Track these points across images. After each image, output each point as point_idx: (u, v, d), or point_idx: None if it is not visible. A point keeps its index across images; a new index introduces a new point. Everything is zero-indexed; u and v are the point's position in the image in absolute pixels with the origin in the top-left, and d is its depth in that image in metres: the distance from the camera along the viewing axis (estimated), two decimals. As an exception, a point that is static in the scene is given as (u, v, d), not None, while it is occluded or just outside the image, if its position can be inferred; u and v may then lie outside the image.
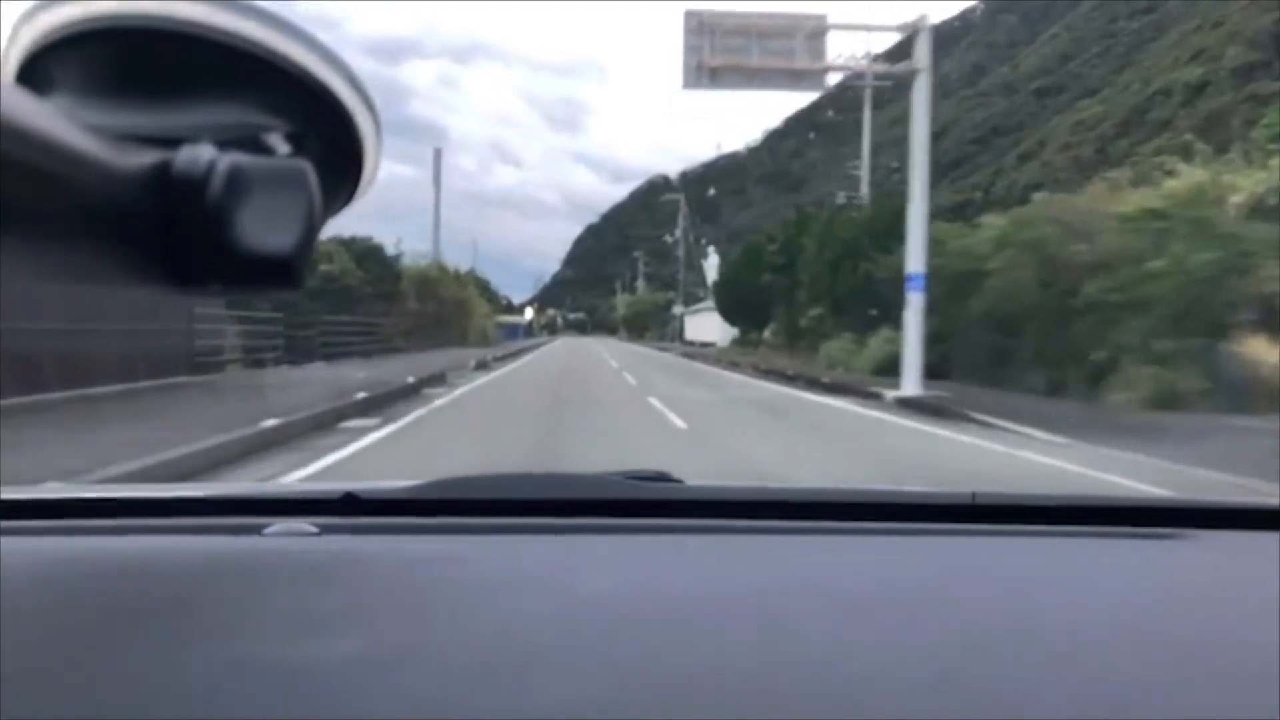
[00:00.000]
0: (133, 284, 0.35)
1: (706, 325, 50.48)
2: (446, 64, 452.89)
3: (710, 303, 51.99)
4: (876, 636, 0.61)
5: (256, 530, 0.84)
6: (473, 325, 33.70)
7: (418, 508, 0.96)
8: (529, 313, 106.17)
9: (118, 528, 0.88)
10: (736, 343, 36.00)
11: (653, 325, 76.98)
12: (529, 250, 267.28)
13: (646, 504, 0.99)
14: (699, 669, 0.53)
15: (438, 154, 31.69)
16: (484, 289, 55.61)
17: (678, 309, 61.98)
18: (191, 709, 0.47)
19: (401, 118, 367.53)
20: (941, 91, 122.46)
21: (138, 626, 0.59)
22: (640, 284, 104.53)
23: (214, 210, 0.32)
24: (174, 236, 0.32)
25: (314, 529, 0.84)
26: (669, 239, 69.25)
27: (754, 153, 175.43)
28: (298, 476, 5.83)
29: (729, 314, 36.34)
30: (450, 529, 0.90)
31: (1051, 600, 0.72)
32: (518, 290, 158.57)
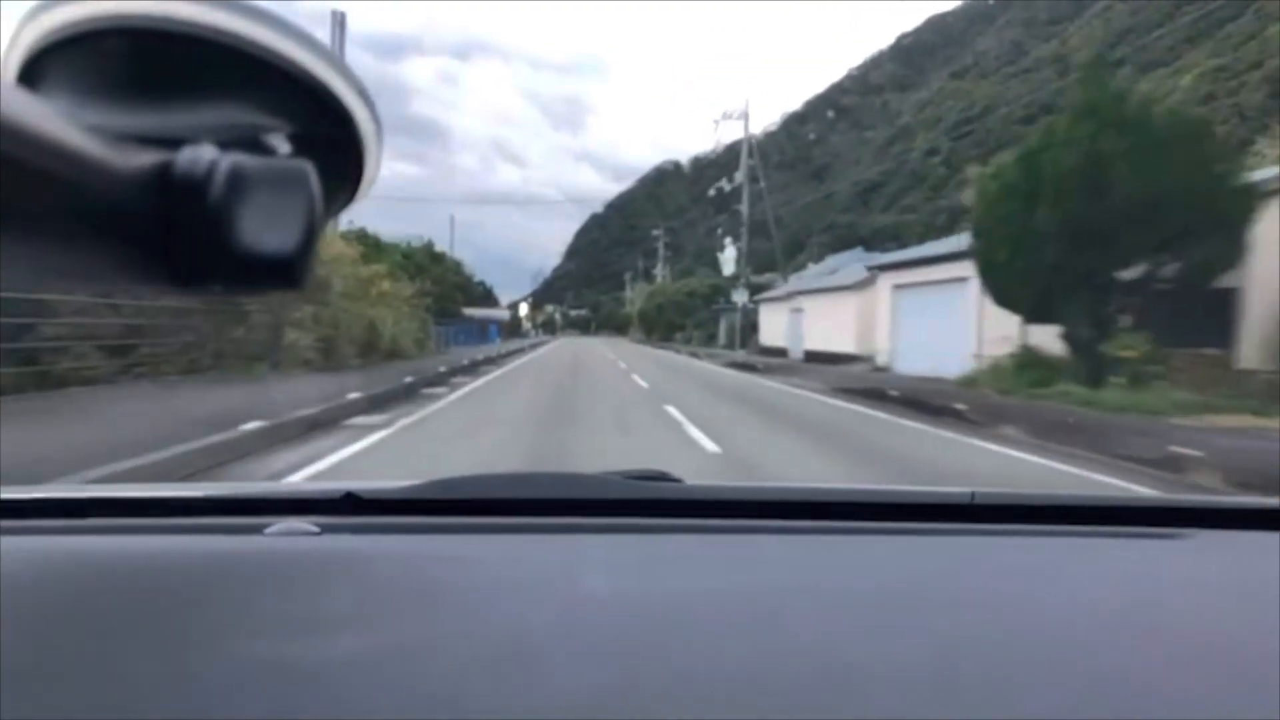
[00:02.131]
0: (133, 284, 0.36)
1: (825, 320, 28.58)
2: (447, 61, 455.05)
3: (822, 276, 34.65)
4: (876, 636, 0.63)
5: (257, 530, 0.87)
6: (310, 318, 14.69)
7: (418, 507, 0.99)
8: (523, 308, 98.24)
9: (118, 527, 0.92)
10: (1064, 372, 12.79)
11: (689, 323, 56.62)
12: (532, 248, 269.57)
13: (647, 504, 1.02)
14: (699, 668, 0.55)
15: (338, 19, 20.12)
16: (448, 268, 42.18)
17: (739, 296, 39.72)
18: (192, 709, 0.48)
19: (403, 116, 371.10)
20: (979, 72, 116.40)
21: (138, 626, 0.60)
22: (661, 270, 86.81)
23: (215, 210, 0.33)
24: (175, 236, 0.33)
25: (314, 529, 0.88)
26: (726, 186, 45.45)
27: (771, 138, 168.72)
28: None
29: (1013, 290, 13.05)
30: (451, 529, 0.94)
31: (1051, 600, 0.74)
32: (516, 288, 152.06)
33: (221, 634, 0.59)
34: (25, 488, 1.04)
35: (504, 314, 63.54)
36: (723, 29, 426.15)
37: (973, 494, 1.04)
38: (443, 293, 37.88)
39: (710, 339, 49.73)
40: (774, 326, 36.69)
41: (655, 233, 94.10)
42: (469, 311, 46.00)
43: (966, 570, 0.83)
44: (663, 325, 64.24)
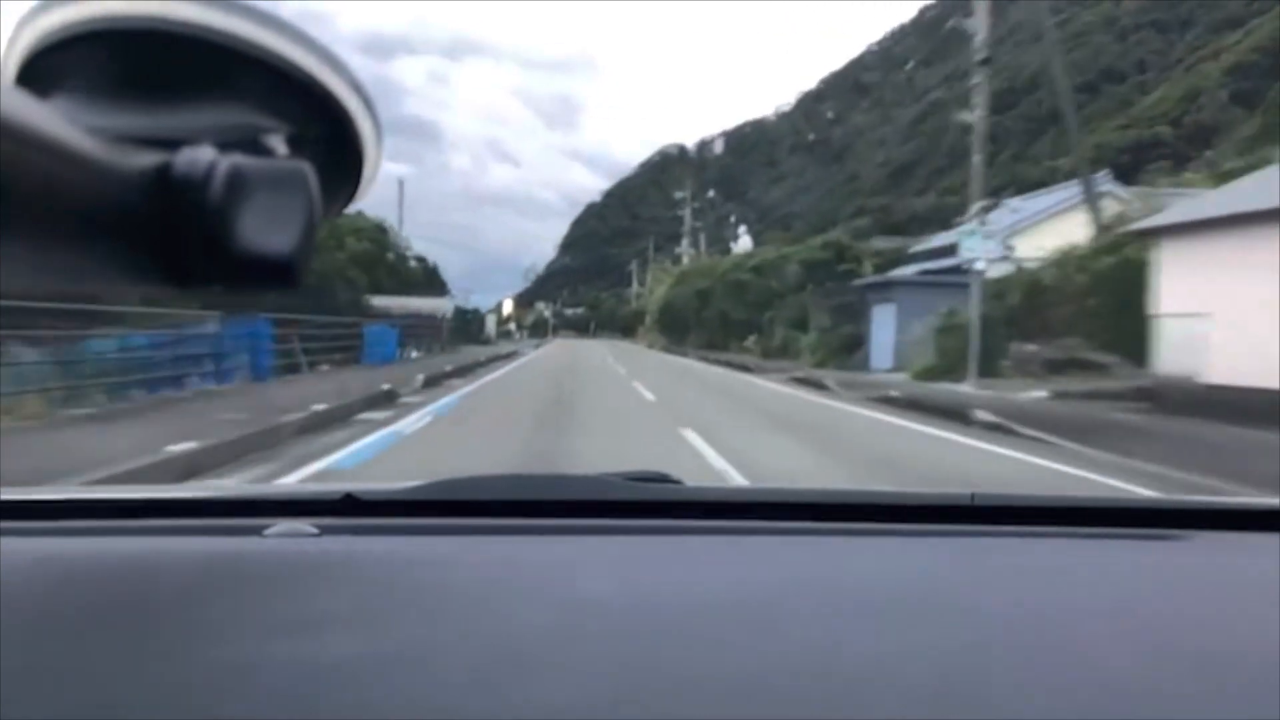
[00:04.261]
0: (133, 285, 0.37)
1: None
2: (437, 60, 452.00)
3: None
4: (876, 637, 0.65)
5: (256, 531, 0.92)
6: None
7: (418, 509, 1.05)
8: (506, 306, 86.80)
9: (118, 528, 0.97)
10: None
11: (773, 320, 33.66)
12: (528, 249, 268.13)
13: (646, 505, 1.08)
14: (699, 670, 0.57)
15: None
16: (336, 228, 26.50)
17: (977, 247, 16.62)
18: (192, 709, 0.50)
19: (394, 115, 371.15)
20: (1014, 42, 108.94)
21: (138, 626, 0.63)
22: (689, 247, 68.50)
23: (214, 211, 0.34)
24: (174, 237, 0.34)
25: (314, 529, 0.92)
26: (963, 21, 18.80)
27: (785, 118, 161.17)
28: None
29: None
30: (450, 530, 0.99)
31: (1051, 601, 0.78)
32: (511, 289, 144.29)
33: (221, 634, 0.61)
34: (25, 488, 1.08)
35: (443, 306, 39.92)
36: (724, 10, 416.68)
37: (973, 495, 1.08)
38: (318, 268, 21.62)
39: (845, 350, 25.19)
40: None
41: (680, 194, 73.93)
42: (381, 302, 28.86)
43: (966, 571, 0.87)
44: (709, 324, 41.55)
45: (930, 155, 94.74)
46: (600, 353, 37.45)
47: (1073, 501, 1.16)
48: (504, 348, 40.25)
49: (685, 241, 68.15)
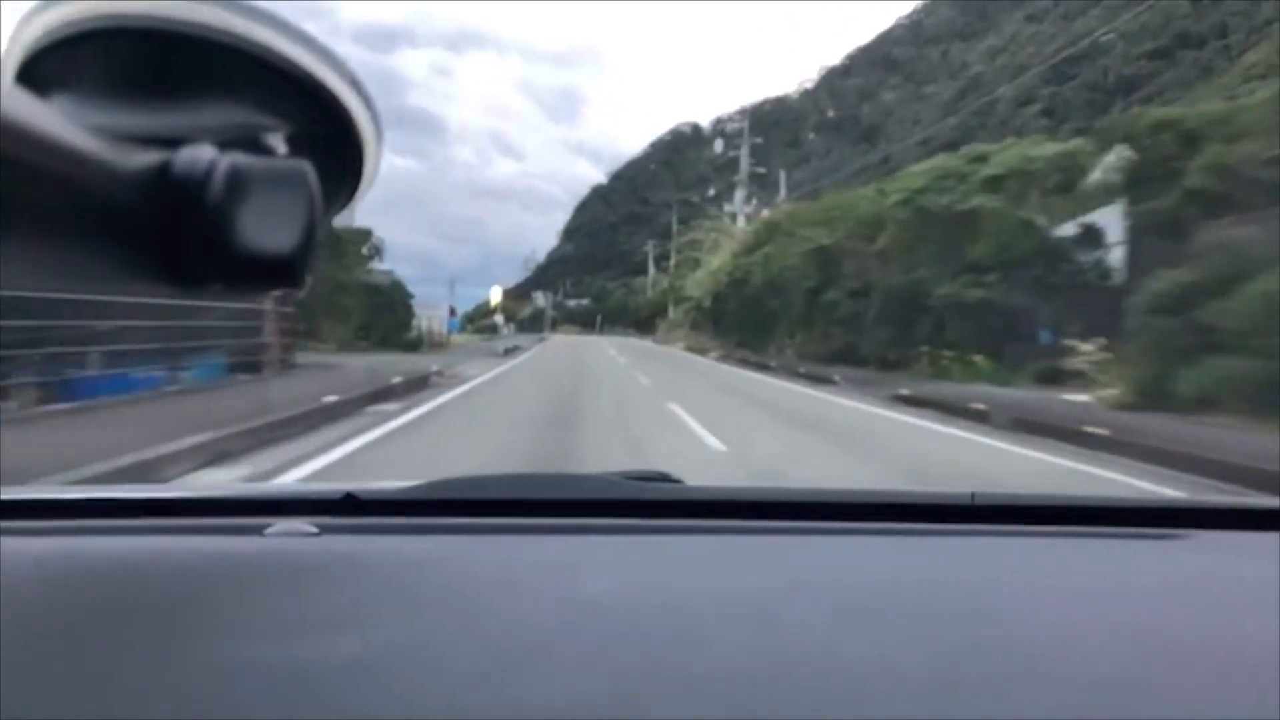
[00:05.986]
0: (133, 284, 0.38)
1: None
2: (440, 53, 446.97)
3: None
4: (876, 637, 0.67)
5: (257, 530, 0.95)
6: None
7: (418, 508, 1.09)
8: (495, 295, 77.76)
9: (118, 528, 1.01)
10: None
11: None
12: (532, 242, 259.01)
13: (647, 504, 1.11)
14: (699, 669, 0.59)
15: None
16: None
17: None
18: (191, 709, 0.52)
19: (397, 108, 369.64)
20: (1061, 13, 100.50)
21: (138, 626, 0.65)
22: (742, 206, 47.65)
23: (214, 210, 0.35)
24: (174, 236, 0.35)
25: (314, 529, 0.96)
26: None
27: (809, 96, 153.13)
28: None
29: None
30: (450, 529, 1.03)
31: (1051, 600, 0.81)
32: (512, 281, 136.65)
33: (221, 634, 0.63)
34: (25, 488, 1.14)
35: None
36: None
37: (973, 495, 1.12)
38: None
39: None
40: None
41: (731, 126, 55.87)
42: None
43: (966, 571, 0.90)
44: (833, 312, 22.70)
45: (978, 131, 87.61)
46: (630, 374, 19.20)
47: (1073, 501, 1.19)
48: (429, 361, 20.48)
49: (739, 195, 48.93)
